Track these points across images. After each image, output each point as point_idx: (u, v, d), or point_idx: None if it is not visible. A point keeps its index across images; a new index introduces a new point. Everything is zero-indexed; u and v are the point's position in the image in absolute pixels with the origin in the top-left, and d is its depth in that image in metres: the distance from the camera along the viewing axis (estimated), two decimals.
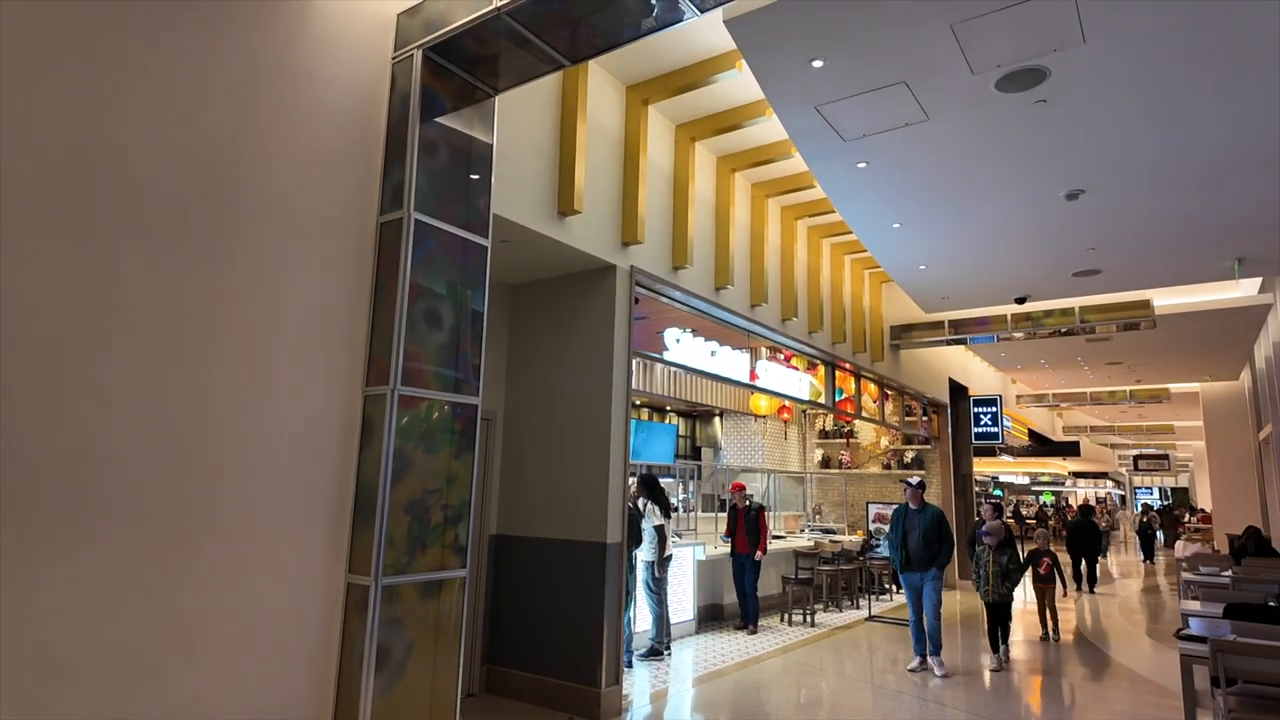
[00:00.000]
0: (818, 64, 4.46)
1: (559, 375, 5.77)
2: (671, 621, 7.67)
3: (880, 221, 6.98)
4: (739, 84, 5.69)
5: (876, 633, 8.75)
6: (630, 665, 6.47)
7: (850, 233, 7.92)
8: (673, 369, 11.52)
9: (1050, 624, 8.46)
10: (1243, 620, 4.97)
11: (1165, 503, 34.58)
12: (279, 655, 3.31)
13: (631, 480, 7.46)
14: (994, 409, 14.20)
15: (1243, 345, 12.69)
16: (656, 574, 6.88)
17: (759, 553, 8.14)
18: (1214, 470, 15.86)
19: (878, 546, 9.71)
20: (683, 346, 6.68)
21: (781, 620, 8.95)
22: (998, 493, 29.27)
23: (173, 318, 3.05)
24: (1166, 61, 4.34)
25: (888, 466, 13.65)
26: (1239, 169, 5.68)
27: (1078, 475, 35.70)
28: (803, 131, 5.36)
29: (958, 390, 13.99)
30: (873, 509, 9.92)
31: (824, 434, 14.53)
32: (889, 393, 11.80)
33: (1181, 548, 11.70)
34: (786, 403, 12.87)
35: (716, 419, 15.00)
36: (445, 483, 3.84)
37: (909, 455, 13.45)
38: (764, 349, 8.63)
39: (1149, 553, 18.86)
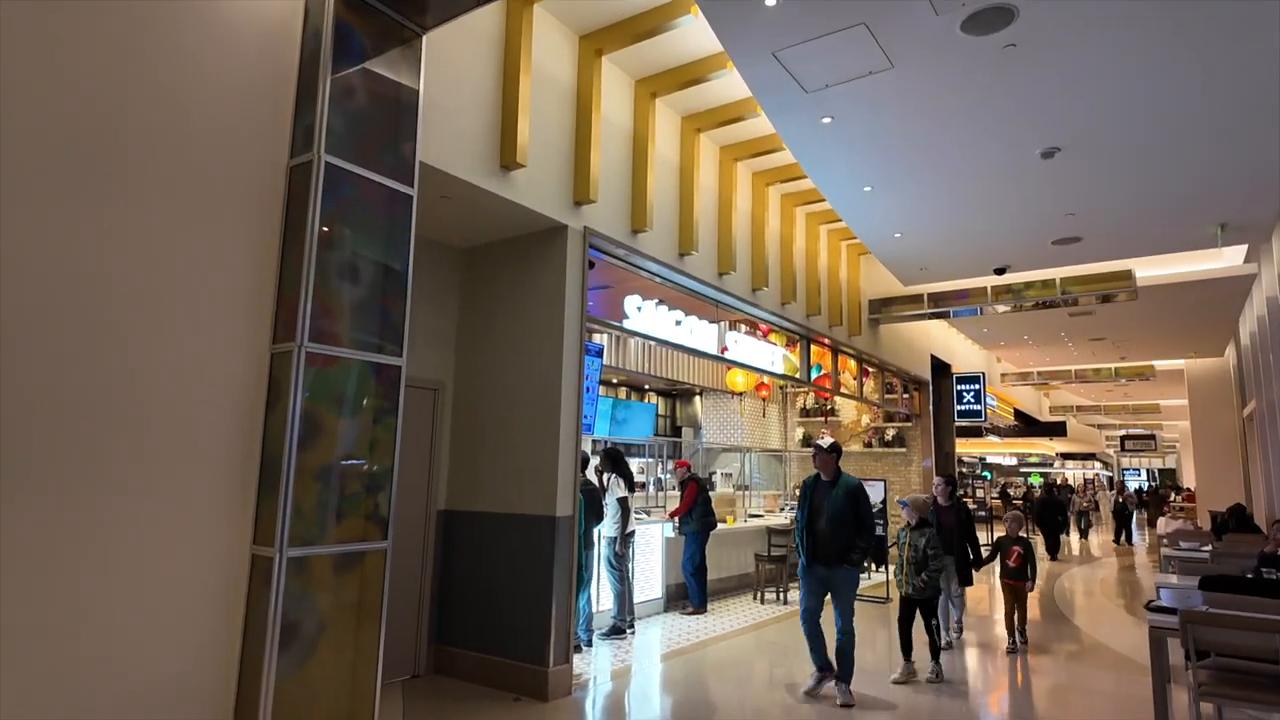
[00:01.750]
0: (771, 1, 4.16)
1: (510, 343, 5.49)
2: (638, 600, 7.46)
3: (851, 184, 6.69)
4: (700, 36, 5.38)
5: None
6: (590, 644, 6.25)
7: (824, 201, 7.63)
8: (648, 343, 11.26)
9: (1018, 631, 6.65)
10: (1217, 591, 4.78)
11: (1152, 484, 34.71)
12: (176, 632, 3.05)
13: (596, 460, 7.23)
14: (977, 386, 14.01)
15: (1227, 320, 12.50)
16: (618, 550, 6.64)
17: (674, 519, 7.95)
18: (1198, 448, 15.75)
19: None
20: (644, 315, 6.40)
21: (754, 598, 8.75)
22: (985, 472, 29.12)
23: (57, 275, 2.77)
24: None
25: (869, 444, 13.46)
26: (1219, 124, 5.42)
27: (1066, 456, 35.72)
28: (763, 82, 5.07)
29: (940, 368, 13.78)
30: None
31: (805, 412, 14.33)
32: (869, 369, 11.57)
33: (1164, 524, 11.57)
34: (765, 380, 12.65)
35: (697, 398, 14.77)
36: (364, 449, 3.57)
37: (890, 433, 13.26)
38: (736, 322, 8.37)
39: (1126, 534, 17.55)
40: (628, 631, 6.74)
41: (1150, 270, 9.77)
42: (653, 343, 6.76)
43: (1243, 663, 3.97)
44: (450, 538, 5.53)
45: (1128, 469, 42.57)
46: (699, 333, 7.17)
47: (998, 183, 6.54)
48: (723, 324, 7.79)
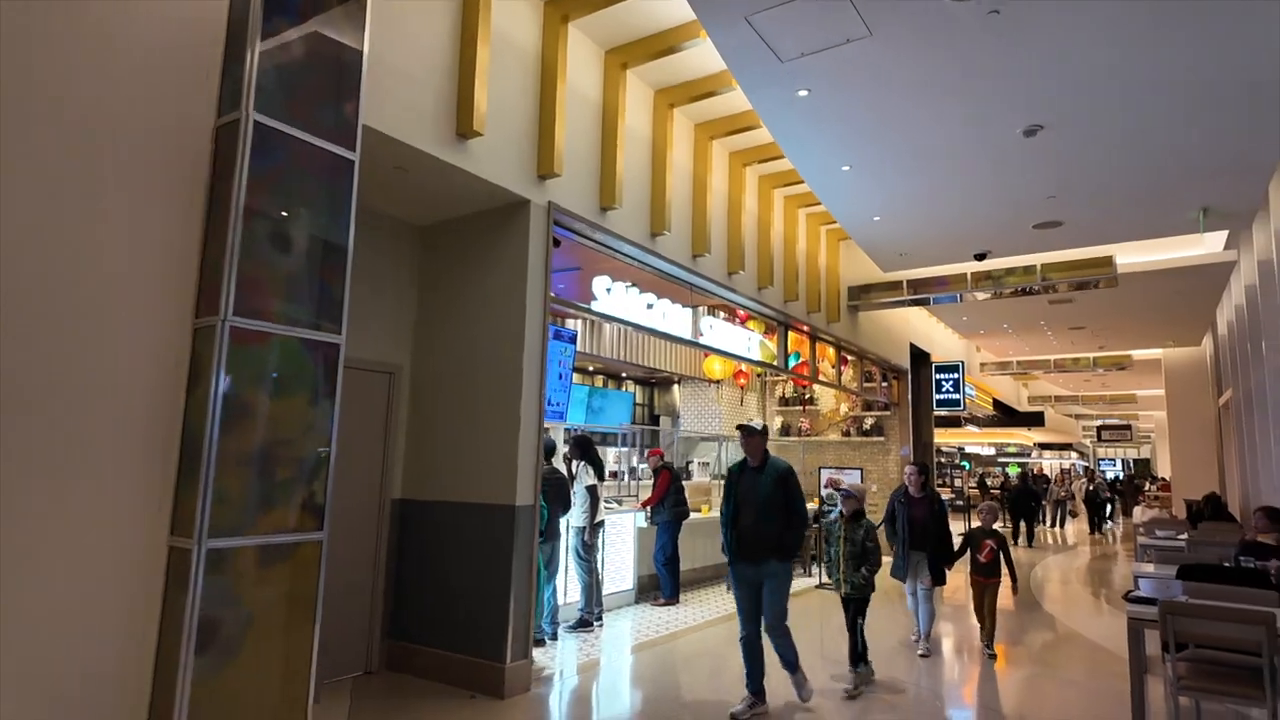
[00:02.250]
0: None
1: (471, 325, 5.23)
2: (609, 591, 7.26)
3: (828, 163, 6.47)
4: (673, 3, 5.13)
5: (828, 600, 8.43)
6: (555, 637, 6.04)
7: (803, 183, 7.41)
8: (624, 330, 11.03)
9: (987, 633, 6.01)
10: (1196, 580, 4.65)
11: (1128, 472, 35.07)
12: (85, 631, 2.79)
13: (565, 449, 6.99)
14: (956, 375, 13.93)
15: (1205, 308, 12.48)
16: (587, 540, 6.43)
17: (646, 509, 7.78)
18: (1174, 437, 15.80)
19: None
20: (614, 298, 6.15)
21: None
22: (964, 461, 29.25)
23: None
24: None
25: (847, 433, 13.34)
26: (1202, 105, 5.26)
27: (1043, 446, 35.99)
28: (736, 51, 4.82)
29: (920, 356, 13.68)
30: (824, 474, 9.56)
31: (784, 401, 14.19)
32: (847, 357, 11.42)
33: (1140, 513, 11.57)
34: (743, 367, 12.47)
35: (675, 386, 14.57)
36: (298, 432, 3.31)
37: (869, 422, 13.14)
38: (715, 308, 8.16)
39: (1097, 524, 17.44)
40: (595, 624, 6.53)
41: (1131, 257, 9.68)
42: (624, 327, 6.53)
43: (1223, 654, 3.84)
44: (406, 528, 5.28)
45: (1104, 459, 43.05)
46: (672, 317, 6.95)
47: (979, 162, 6.34)
48: (698, 309, 7.58)
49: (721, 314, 8.29)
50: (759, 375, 12.84)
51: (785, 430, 14.00)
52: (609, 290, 6.06)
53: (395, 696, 4.68)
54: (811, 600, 8.40)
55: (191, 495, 2.97)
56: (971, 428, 25.42)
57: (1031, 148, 5.99)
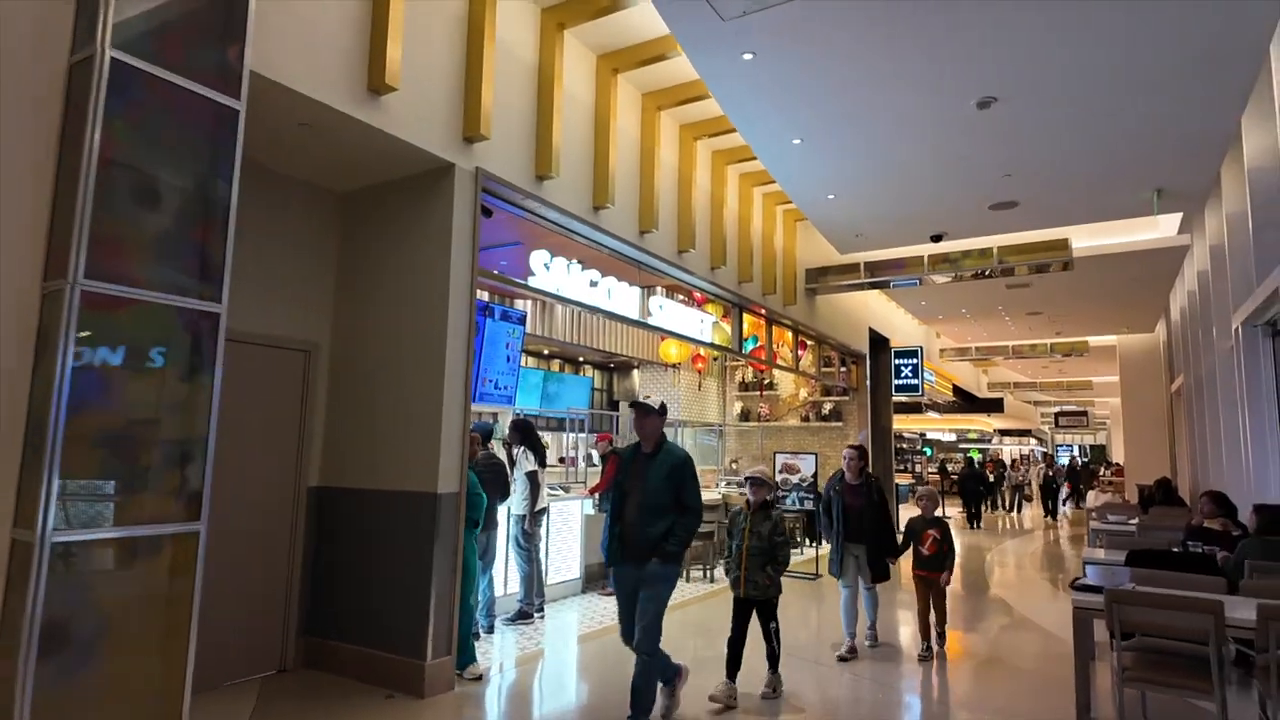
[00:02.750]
0: None
1: (393, 300, 4.88)
2: (554, 581, 6.99)
3: (778, 135, 6.22)
4: None
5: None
6: (491, 630, 5.76)
7: (757, 161, 7.13)
8: (579, 312, 10.71)
9: (934, 632, 5.45)
10: (1144, 567, 4.53)
11: (1084, 460, 35.77)
12: None
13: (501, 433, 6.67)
14: (915, 360, 13.88)
15: (1160, 294, 12.57)
16: (527, 528, 6.14)
17: (594, 496, 7.52)
18: (1128, 423, 16.01)
19: (785, 498, 9.21)
20: (554, 274, 5.84)
21: (681, 577, 8.36)
22: (926, 448, 29.53)
23: None
24: None
25: (806, 419, 13.22)
26: (1152, 82, 5.11)
27: (1003, 433, 36.56)
28: (676, 8, 4.52)
29: (879, 342, 13.59)
30: (780, 459, 9.38)
31: (744, 386, 14.01)
32: (806, 341, 11.25)
33: (1093, 498, 11.65)
34: (701, 351, 12.25)
35: (635, 371, 14.31)
36: (168, 412, 2.96)
37: (827, 407, 13.03)
38: (666, 288, 7.88)
39: (1052, 509, 17.67)
40: (536, 615, 6.26)
41: (1087, 241, 9.63)
42: (572, 307, 6.21)
43: (1170, 644, 3.70)
44: (324, 517, 4.93)
45: (1061, 445, 43.93)
46: (619, 296, 6.65)
47: (933, 135, 6.13)
48: (649, 289, 7.30)
49: (676, 295, 8.03)
50: (715, 358, 12.60)
51: (745, 415, 13.83)
52: (548, 266, 5.74)
53: (306, 697, 4.35)
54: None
55: (35, 482, 2.61)
56: (932, 414, 25.64)
57: (985, 122, 5.80)
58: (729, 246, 8.12)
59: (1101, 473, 23.82)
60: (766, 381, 13.70)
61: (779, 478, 9.35)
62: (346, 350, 5.05)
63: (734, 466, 12.75)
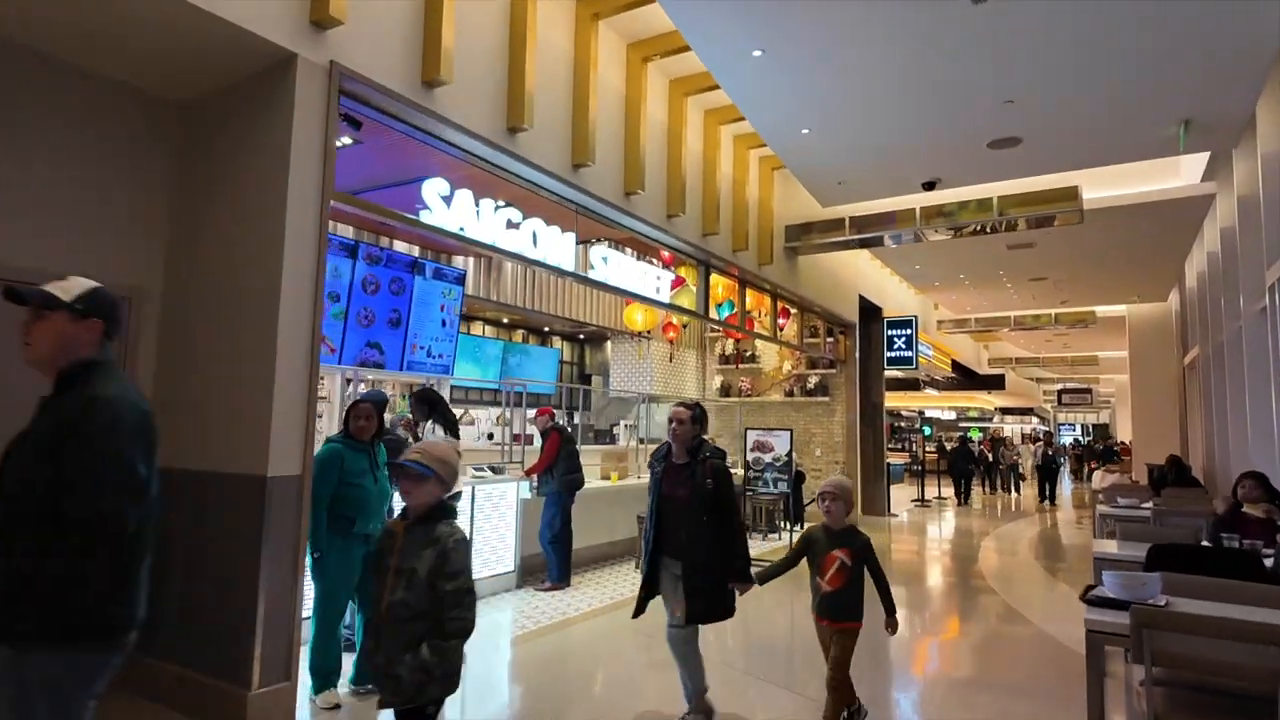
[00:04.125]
0: None
1: (226, 235, 3.88)
2: (484, 575, 6.06)
3: (735, 46, 5.17)
4: None
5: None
6: None
7: (721, 89, 6.07)
8: (533, 272, 9.71)
9: (828, 711, 3.27)
10: (1173, 569, 3.57)
11: (1101, 440, 34.80)
12: None
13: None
14: (909, 331, 12.88)
15: (1175, 257, 11.53)
16: None
17: (530, 478, 6.56)
18: (1136, 399, 15.03)
19: (757, 478, 8.27)
20: (456, 210, 4.81)
21: (636, 568, 7.44)
22: (925, 426, 28.54)
23: None
24: None
25: (790, 393, 12.24)
26: None
27: (1004, 411, 35.62)
28: None
29: (870, 311, 12.57)
30: (751, 435, 8.41)
31: (725, 359, 13.03)
32: (787, 308, 10.24)
33: (1100, 478, 10.69)
34: (674, 320, 11.26)
35: (609, 343, 13.33)
36: None
37: (813, 380, 12.04)
38: (616, 241, 6.88)
39: (1049, 492, 16.20)
40: None
41: (1098, 192, 8.58)
42: (481, 252, 5.21)
43: (1210, 680, 2.75)
44: None
45: (1064, 424, 43.03)
46: (549, 242, 5.63)
47: (921, 44, 5.08)
48: (597, 240, 6.29)
49: (629, 250, 7.03)
50: (685, 325, 11.57)
51: (725, 390, 12.86)
52: (447, 199, 4.71)
53: None
54: None
55: None
56: (930, 391, 24.66)
57: (983, 25, 4.74)
58: (690, 194, 7.08)
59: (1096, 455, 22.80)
60: (748, 354, 12.71)
61: (750, 456, 8.39)
62: (180, 298, 4.05)
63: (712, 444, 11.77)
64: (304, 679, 3.71)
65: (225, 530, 3.58)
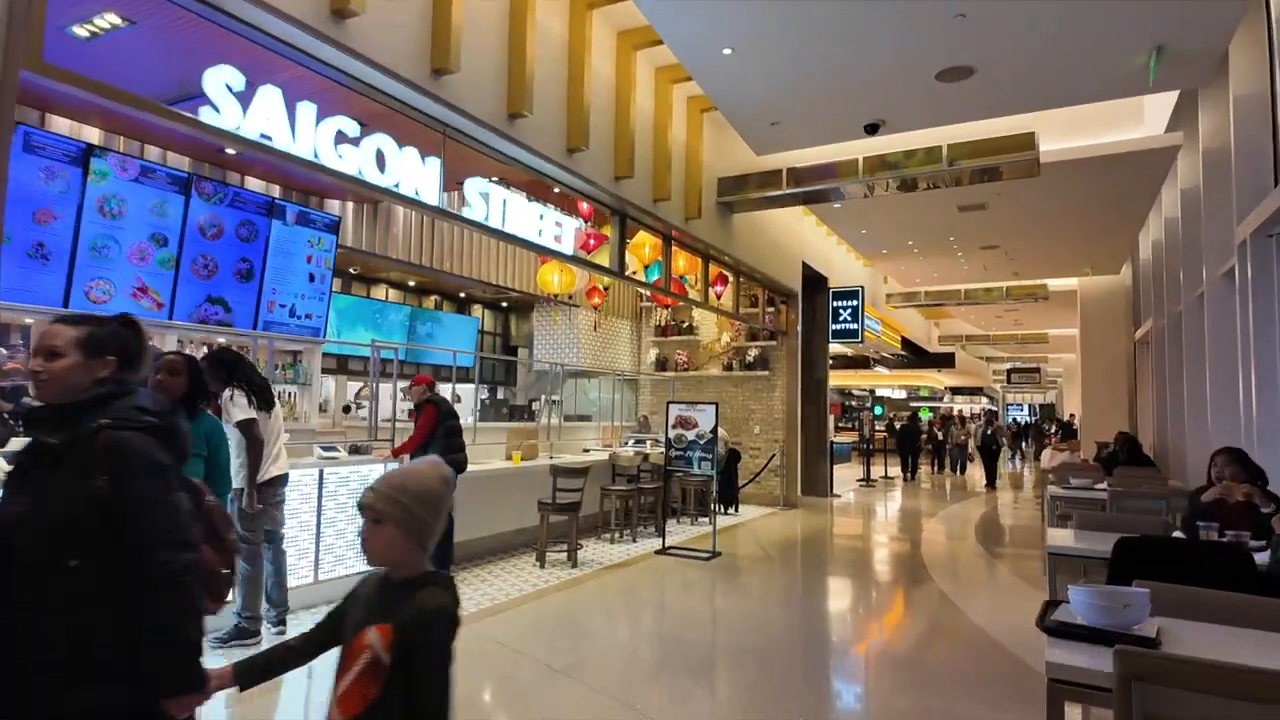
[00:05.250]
0: None
1: None
2: (334, 575, 5.03)
3: None
4: None
5: (664, 571, 6.48)
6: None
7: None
8: (426, 218, 8.58)
9: None
10: (1147, 570, 2.75)
11: (1034, 418, 34.99)
12: None
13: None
14: (855, 303, 12.11)
15: (1130, 225, 10.94)
16: (247, 505, 4.13)
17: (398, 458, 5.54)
18: (1086, 375, 14.59)
19: (679, 458, 7.38)
20: (257, 111, 3.69)
21: (537, 561, 6.48)
22: (877, 406, 28.08)
23: None
24: None
25: (729, 367, 11.37)
26: None
27: (955, 391, 35.61)
28: None
29: (815, 280, 11.75)
30: (674, 410, 7.49)
31: (661, 330, 12.08)
32: (724, 274, 9.33)
33: (1049, 457, 10.08)
34: (603, 285, 10.26)
35: (535, 312, 12.26)
36: None
37: (752, 353, 11.18)
38: (510, 183, 5.86)
39: (990, 475, 15.00)
40: (274, 629, 4.30)
41: (1056, 144, 7.82)
42: (276, 157, 4.12)
43: None
44: None
45: (1012, 404, 43.39)
46: (400, 165, 4.55)
47: None
48: (486, 177, 5.24)
49: (535, 196, 6.00)
50: (606, 289, 10.56)
51: (662, 364, 11.93)
52: (235, 91, 3.59)
53: None
54: (638, 573, 6.40)
55: None
56: (881, 369, 24.20)
57: None
58: (599, 129, 6.05)
59: (1053, 429, 22.62)
60: (685, 324, 11.79)
61: (673, 433, 7.48)
62: None
63: (646, 420, 10.87)
64: None
65: None
